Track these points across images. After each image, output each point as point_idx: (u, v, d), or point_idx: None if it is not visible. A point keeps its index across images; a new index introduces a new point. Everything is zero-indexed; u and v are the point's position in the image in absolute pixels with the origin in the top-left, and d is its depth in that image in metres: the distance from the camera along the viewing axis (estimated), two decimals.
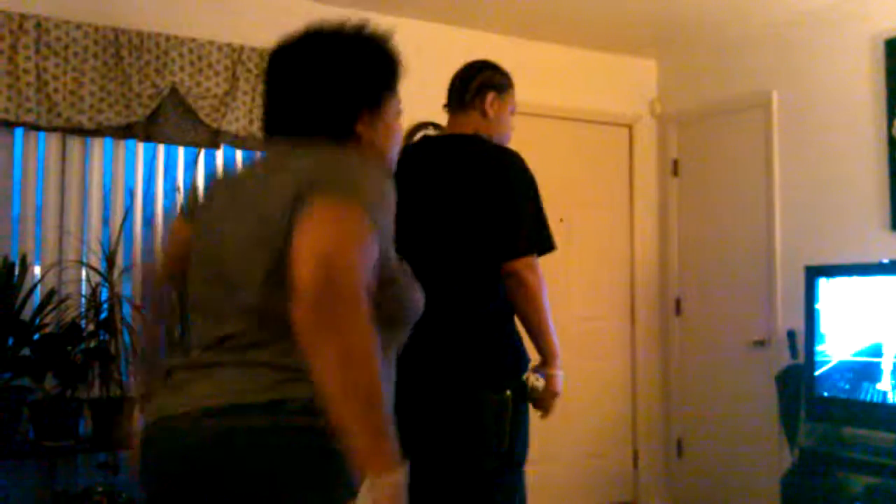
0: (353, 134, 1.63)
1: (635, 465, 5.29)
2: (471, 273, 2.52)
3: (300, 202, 1.41)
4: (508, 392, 2.49)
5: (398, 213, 1.53)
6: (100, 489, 3.40)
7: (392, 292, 1.51)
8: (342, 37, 1.67)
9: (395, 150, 1.75)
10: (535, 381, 2.55)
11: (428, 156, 2.71)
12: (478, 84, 2.72)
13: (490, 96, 2.71)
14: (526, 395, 2.56)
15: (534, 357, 2.65)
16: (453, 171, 2.61)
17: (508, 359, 2.56)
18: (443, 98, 4.54)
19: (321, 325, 1.26)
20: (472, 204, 2.52)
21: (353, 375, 1.27)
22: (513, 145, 2.77)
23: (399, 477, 1.27)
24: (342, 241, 1.35)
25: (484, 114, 2.70)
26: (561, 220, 5.11)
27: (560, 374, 2.59)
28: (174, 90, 3.92)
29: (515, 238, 2.50)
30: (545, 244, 2.59)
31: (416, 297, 1.59)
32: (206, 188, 1.74)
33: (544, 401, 2.58)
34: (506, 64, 4.80)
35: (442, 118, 4.53)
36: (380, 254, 1.44)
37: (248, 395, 1.44)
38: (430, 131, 4.58)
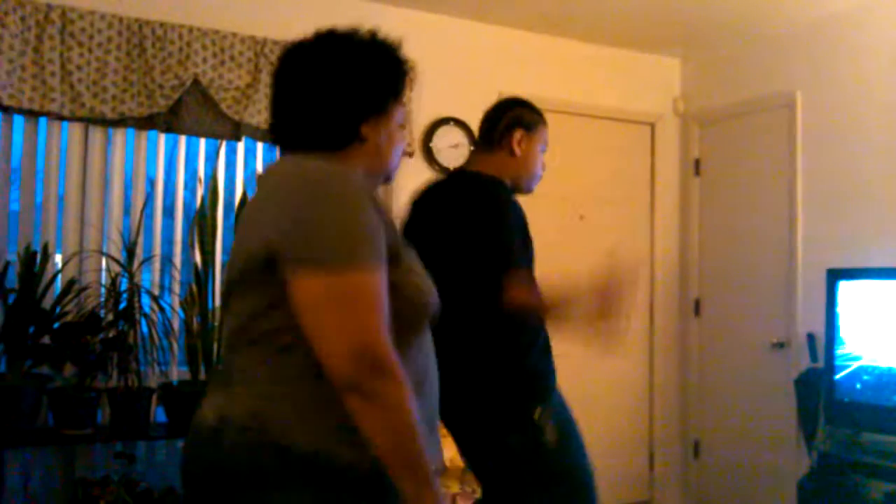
0: (358, 137, 1.64)
1: (651, 466, 5.27)
2: (470, 313, 2.45)
3: (279, 264, 1.45)
4: (537, 414, 2.46)
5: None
6: (116, 478, 3.43)
7: (408, 293, 1.54)
8: (353, 41, 1.67)
9: (397, 159, 1.75)
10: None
11: (428, 202, 2.69)
12: (506, 122, 2.69)
13: (518, 134, 2.67)
14: (552, 413, 2.52)
15: None
16: (441, 216, 2.59)
17: (524, 388, 2.51)
18: (466, 93, 4.56)
19: (366, 405, 1.41)
20: (454, 246, 2.47)
21: (398, 439, 1.43)
22: None
23: None
24: (362, 323, 1.42)
25: (512, 152, 2.67)
26: (581, 217, 5.11)
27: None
28: (196, 81, 3.93)
29: (483, 274, 2.40)
30: (511, 267, 2.44)
31: (429, 287, 1.60)
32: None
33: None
34: (529, 60, 4.84)
35: (464, 113, 4.55)
36: (390, 261, 1.49)
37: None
38: (451, 126, 4.59)
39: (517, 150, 2.68)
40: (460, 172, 2.87)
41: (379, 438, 1.42)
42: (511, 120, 2.70)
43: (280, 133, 1.70)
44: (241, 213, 1.69)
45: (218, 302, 3.76)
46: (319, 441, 1.46)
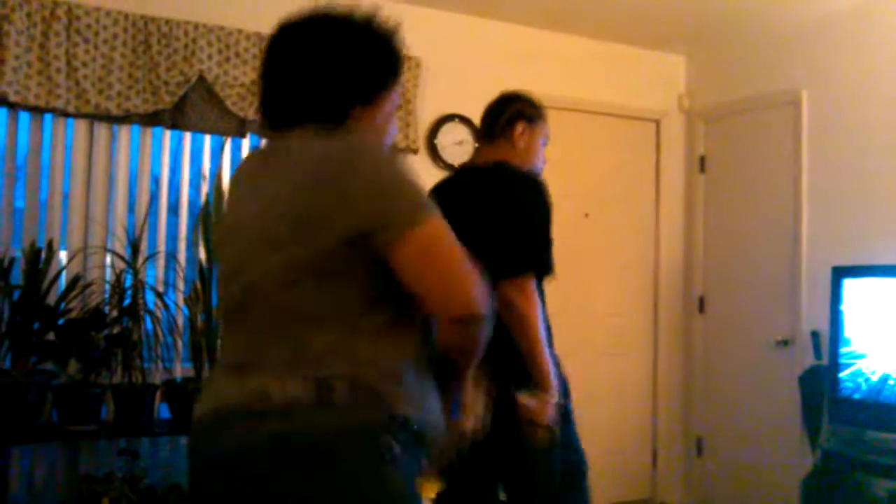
0: (348, 119, 1.63)
1: (655, 464, 5.26)
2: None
3: (370, 237, 1.49)
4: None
5: None
6: (120, 474, 3.43)
7: None
8: (350, 24, 1.66)
9: (389, 143, 1.75)
10: (526, 400, 2.42)
11: (454, 189, 2.68)
12: (508, 115, 2.72)
13: (520, 127, 2.71)
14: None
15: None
16: (474, 200, 2.57)
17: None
18: (470, 90, 4.56)
19: (476, 332, 1.58)
20: (483, 228, 2.42)
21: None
22: None
23: None
24: (465, 263, 1.53)
25: (514, 144, 2.70)
26: (586, 215, 5.10)
27: (551, 404, 2.43)
28: (201, 78, 3.93)
29: (508, 258, 2.43)
30: (540, 267, 2.50)
31: None
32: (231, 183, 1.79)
33: (533, 426, 2.44)
34: (533, 56, 4.83)
35: (468, 109, 4.54)
36: None
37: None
38: (455, 123, 4.59)
39: (519, 143, 2.70)
40: (488, 167, 2.78)
41: (472, 359, 1.66)
42: (513, 113, 2.72)
43: (271, 110, 1.68)
44: (254, 198, 1.65)
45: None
46: (419, 413, 1.52)
